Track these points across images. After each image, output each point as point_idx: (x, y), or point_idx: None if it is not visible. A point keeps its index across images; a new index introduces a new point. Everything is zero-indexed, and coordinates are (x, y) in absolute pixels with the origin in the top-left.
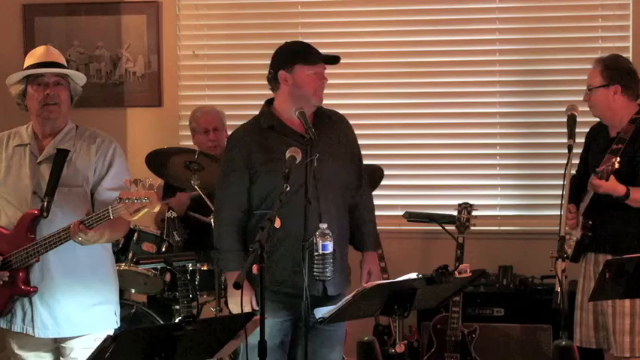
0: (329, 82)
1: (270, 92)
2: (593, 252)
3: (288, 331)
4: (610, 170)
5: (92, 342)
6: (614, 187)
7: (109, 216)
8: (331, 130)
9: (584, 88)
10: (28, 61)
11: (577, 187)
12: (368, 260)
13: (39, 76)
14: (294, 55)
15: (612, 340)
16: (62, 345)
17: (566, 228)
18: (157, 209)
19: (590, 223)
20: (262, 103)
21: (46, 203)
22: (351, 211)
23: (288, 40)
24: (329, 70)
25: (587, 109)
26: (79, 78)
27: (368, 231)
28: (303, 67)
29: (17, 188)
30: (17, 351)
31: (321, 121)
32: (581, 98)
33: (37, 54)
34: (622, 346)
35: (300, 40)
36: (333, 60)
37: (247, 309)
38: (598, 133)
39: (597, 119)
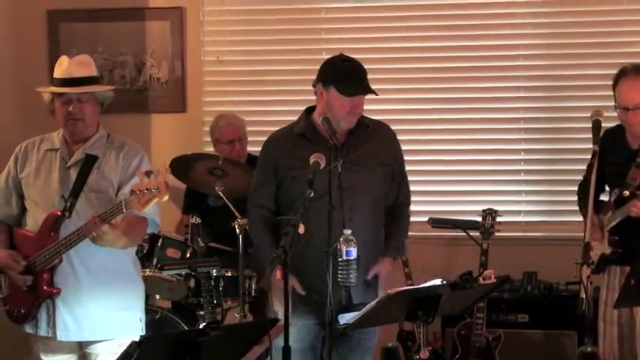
0: None
1: (293, 98)
2: (618, 265)
3: (318, 334)
4: None
5: (118, 348)
6: None
7: (122, 209)
8: (367, 140)
9: (609, 93)
10: (56, 71)
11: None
12: (379, 263)
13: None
14: (333, 77)
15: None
16: (87, 351)
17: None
18: (165, 198)
19: (617, 239)
20: (286, 109)
21: (69, 204)
22: (385, 222)
23: (336, 54)
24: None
25: (613, 114)
26: (105, 90)
27: (391, 239)
28: (337, 92)
29: (45, 191)
30: (43, 357)
31: (358, 130)
32: (606, 103)
33: (62, 67)
34: None
35: (326, 47)
36: (369, 92)
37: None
38: (613, 141)
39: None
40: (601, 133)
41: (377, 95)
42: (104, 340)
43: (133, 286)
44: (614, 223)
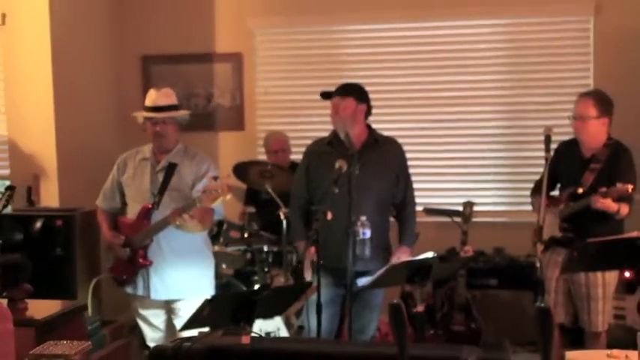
0: (376, 110)
1: (321, 119)
2: (564, 248)
3: (337, 292)
4: (624, 194)
5: (194, 304)
6: (610, 205)
7: (197, 203)
8: (375, 151)
9: (558, 114)
10: (146, 100)
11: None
12: (398, 249)
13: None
14: None
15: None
16: (172, 306)
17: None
18: (228, 197)
19: (566, 226)
20: (316, 127)
21: (157, 199)
22: (397, 219)
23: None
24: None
25: (562, 129)
26: (182, 114)
27: (405, 234)
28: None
29: (140, 190)
30: (140, 310)
31: (369, 142)
32: (556, 122)
33: (151, 98)
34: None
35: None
36: (325, 96)
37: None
38: (568, 150)
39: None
40: (552, 145)
41: (329, 96)
42: (184, 299)
43: (205, 259)
44: (570, 212)
